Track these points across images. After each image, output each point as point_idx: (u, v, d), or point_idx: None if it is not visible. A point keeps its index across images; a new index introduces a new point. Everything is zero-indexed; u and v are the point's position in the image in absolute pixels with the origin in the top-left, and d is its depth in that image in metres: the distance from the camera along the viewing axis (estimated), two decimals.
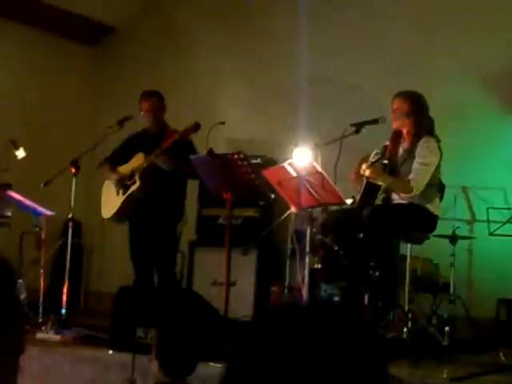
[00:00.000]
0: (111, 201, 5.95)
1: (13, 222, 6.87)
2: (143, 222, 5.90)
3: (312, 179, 4.58)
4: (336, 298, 4.98)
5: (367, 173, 5.07)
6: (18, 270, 6.65)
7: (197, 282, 6.78)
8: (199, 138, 5.57)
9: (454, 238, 5.60)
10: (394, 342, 4.74)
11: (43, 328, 5.18)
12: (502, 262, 6.09)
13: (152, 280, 5.95)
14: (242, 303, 6.21)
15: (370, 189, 5.19)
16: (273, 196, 5.12)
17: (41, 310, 5.73)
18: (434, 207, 5.17)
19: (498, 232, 5.44)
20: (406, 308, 4.99)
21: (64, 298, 5.48)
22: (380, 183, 5.14)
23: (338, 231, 5.25)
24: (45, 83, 8.33)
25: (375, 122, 5.06)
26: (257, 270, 6.62)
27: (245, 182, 4.86)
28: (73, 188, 5.59)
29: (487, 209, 5.70)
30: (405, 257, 5.13)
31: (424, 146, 5.08)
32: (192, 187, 6.38)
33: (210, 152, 4.89)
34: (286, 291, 5.70)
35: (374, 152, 5.20)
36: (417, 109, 5.15)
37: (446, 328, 5.15)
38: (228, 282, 4.83)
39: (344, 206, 5.14)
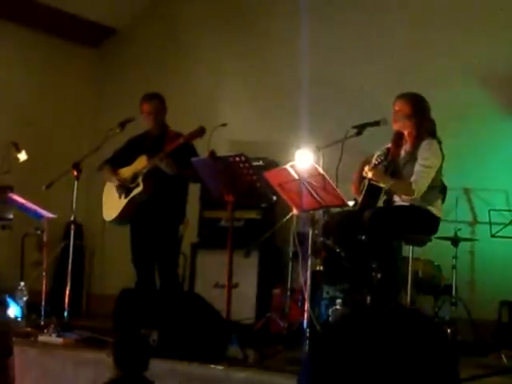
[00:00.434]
0: (113, 203, 5.95)
1: (14, 224, 6.88)
2: (145, 225, 5.91)
3: (314, 181, 4.58)
4: (338, 300, 4.97)
5: (370, 175, 5.07)
6: (20, 272, 6.66)
7: (199, 284, 6.78)
8: (201, 140, 5.57)
9: (455, 240, 5.60)
10: None
11: (45, 331, 5.18)
12: (504, 263, 6.08)
13: (154, 282, 5.95)
14: (244, 305, 6.21)
15: (372, 191, 5.18)
16: (274, 198, 5.12)
17: (43, 313, 5.73)
18: (435, 209, 5.17)
19: (499, 234, 5.44)
20: None
21: (66, 300, 5.48)
22: (382, 185, 5.14)
23: (339, 233, 5.25)
24: (46, 85, 8.34)
25: (377, 124, 5.05)
26: (259, 272, 6.62)
27: (246, 184, 4.86)
28: (75, 190, 5.59)
29: (489, 211, 5.70)
30: (407, 259, 5.13)
31: (426, 148, 5.08)
32: (194, 190, 6.38)
33: (212, 154, 4.89)
34: (288, 293, 5.69)
35: (377, 154, 5.20)
36: (418, 111, 5.15)
37: (448, 330, 5.14)
38: (230, 284, 4.82)
39: (346, 208, 5.14)
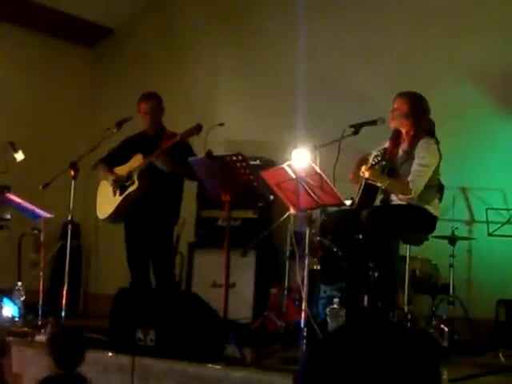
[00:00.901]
0: (108, 201, 5.93)
1: (12, 224, 6.88)
2: (139, 223, 5.89)
3: (311, 180, 4.58)
4: (335, 299, 4.97)
5: (367, 175, 5.07)
6: (17, 272, 6.65)
7: (196, 283, 6.78)
8: (198, 140, 5.56)
9: (453, 239, 5.60)
10: None
11: (42, 330, 5.17)
12: (502, 262, 6.09)
13: (149, 282, 5.92)
14: (241, 305, 6.21)
15: (369, 190, 5.19)
16: (272, 197, 5.12)
17: (40, 313, 5.72)
18: (433, 208, 5.17)
19: (497, 233, 5.44)
20: (406, 309, 4.99)
21: (63, 300, 5.47)
22: (379, 185, 5.14)
23: (337, 232, 5.25)
24: (43, 85, 8.33)
25: (374, 123, 5.05)
26: (256, 272, 6.62)
27: (243, 183, 4.85)
28: (72, 190, 5.58)
29: (486, 209, 5.69)
30: (404, 258, 5.13)
31: (423, 148, 5.08)
32: (191, 189, 6.37)
33: (209, 154, 4.88)
34: (285, 292, 5.69)
35: (374, 154, 5.20)
36: (416, 110, 5.15)
37: (446, 329, 5.14)
38: (227, 284, 4.82)
39: (343, 207, 5.14)
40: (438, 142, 5.15)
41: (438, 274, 5.74)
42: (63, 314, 5.44)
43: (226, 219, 5.02)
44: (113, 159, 6.03)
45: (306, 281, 4.60)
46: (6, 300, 5.77)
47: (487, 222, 5.57)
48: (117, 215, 5.90)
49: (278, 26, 7.59)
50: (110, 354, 4.54)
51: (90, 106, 8.76)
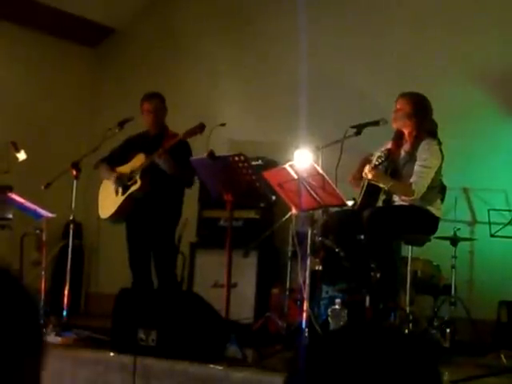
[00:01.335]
0: (109, 201, 5.93)
1: (14, 224, 6.88)
2: (141, 223, 5.88)
3: (313, 181, 4.58)
4: (337, 300, 4.97)
5: (370, 176, 5.07)
6: (19, 272, 6.65)
7: (198, 283, 6.78)
8: (200, 140, 5.56)
9: (454, 240, 5.59)
10: None
11: (44, 330, 5.17)
12: (503, 263, 6.08)
13: (151, 282, 5.93)
14: (242, 305, 6.21)
15: (371, 190, 5.18)
16: (273, 198, 5.11)
17: (42, 312, 5.72)
18: (435, 209, 5.17)
19: (499, 234, 5.43)
20: (407, 310, 4.99)
21: (65, 299, 5.47)
22: (382, 186, 5.14)
23: (338, 233, 5.25)
24: (45, 85, 8.34)
25: (376, 123, 5.05)
26: (258, 272, 6.62)
27: (245, 183, 4.85)
28: (74, 190, 5.58)
29: (488, 210, 5.69)
30: (406, 258, 5.12)
31: (425, 149, 5.08)
32: (193, 189, 6.37)
33: (211, 154, 4.88)
34: (286, 293, 5.69)
35: (377, 155, 5.19)
36: (419, 111, 5.14)
37: (447, 330, 5.14)
38: (229, 284, 4.82)
39: (345, 208, 5.14)
40: (440, 143, 5.15)
41: (439, 274, 5.73)
42: (65, 313, 5.45)
43: (228, 219, 5.02)
44: (115, 158, 6.02)
45: (307, 281, 4.59)
46: None
47: (489, 223, 5.56)
48: (119, 215, 5.89)
49: (278, 27, 7.59)
50: (112, 353, 4.55)
51: (91, 105, 8.77)
